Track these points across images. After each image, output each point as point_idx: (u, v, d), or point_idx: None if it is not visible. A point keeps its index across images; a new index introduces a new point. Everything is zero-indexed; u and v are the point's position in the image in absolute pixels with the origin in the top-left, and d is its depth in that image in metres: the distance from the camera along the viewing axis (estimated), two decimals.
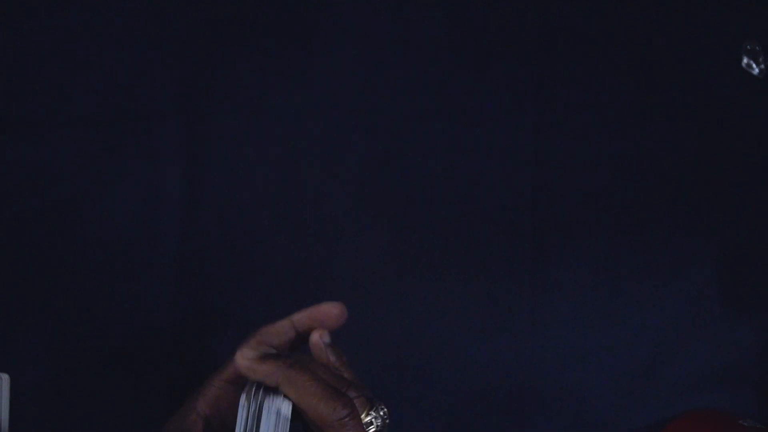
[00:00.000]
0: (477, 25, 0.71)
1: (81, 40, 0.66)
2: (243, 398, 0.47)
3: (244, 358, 0.45)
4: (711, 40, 0.73)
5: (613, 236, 0.71)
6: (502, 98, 0.70)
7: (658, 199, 0.72)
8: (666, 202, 0.72)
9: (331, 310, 0.51)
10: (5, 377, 0.59)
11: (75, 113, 0.65)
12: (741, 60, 0.73)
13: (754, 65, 0.72)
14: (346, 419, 0.44)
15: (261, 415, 0.46)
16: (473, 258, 0.69)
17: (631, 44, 0.72)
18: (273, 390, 0.46)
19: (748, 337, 0.71)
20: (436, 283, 0.69)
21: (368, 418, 0.46)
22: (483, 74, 0.70)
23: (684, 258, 0.71)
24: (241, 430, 0.46)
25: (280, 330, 0.51)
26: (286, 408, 0.46)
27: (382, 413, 0.47)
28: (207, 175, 0.66)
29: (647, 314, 0.70)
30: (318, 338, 0.50)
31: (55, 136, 0.65)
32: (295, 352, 0.52)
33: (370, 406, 0.47)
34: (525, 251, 0.70)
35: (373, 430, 0.46)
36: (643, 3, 0.72)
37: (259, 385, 0.47)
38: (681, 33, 0.73)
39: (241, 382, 0.48)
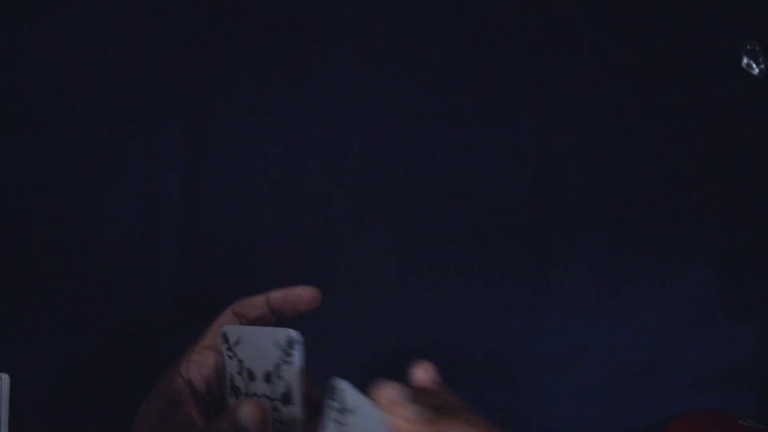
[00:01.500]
0: (477, 26, 0.71)
1: (81, 40, 0.66)
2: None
3: (402, 420, 0.43)
4: (711, 40, 0.73)
5: (614, 236, 0.71)
6: (502, 98, 0.70)
7: (658, 199, 0.72)
8: (666, 202, 0.72)
9: (304, 294, 0.53)
10: (5, 377, 0.59)
11: (75, 113, 0.65)
12: (741, 60, 0.73)
13: (754, 65, 0.72)
14: None
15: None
16: (473, 258, 0.69)
17: (631, 44, 0.72)
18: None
19: (748, 337, 0.71)
20: (436, 283, 0.69)
21: None
22: (483, 74, 0.70)
23: (684, 258, 0.71)
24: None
25: (256, 304, 0.53)
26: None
27: None
28: (207, 175, 0.66)
29: (647, 314, 0.70)
30: (425, 376, 0.51)
31: (55, 136, 0.65)
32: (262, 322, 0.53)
33: None
34: (525, 251, 0.69)
35: None
36: (643, 3, 0.72)
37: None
38: (681, 33, 0.73)
39: (218, 348, 0.51)
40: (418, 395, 0.45)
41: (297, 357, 0.47)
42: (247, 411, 0.47)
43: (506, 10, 0.71)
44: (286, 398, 0.48)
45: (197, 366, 0.52)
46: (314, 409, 0.48)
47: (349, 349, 0.68)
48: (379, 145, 0.69)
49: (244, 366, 0.51)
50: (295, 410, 0.48)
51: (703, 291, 0.71)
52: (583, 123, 0.71)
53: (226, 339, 0.51)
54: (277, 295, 0.53)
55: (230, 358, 0.51)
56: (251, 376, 0.51)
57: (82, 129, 0.65)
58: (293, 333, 0.47)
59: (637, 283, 0.70)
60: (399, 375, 0.69)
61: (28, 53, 0.65)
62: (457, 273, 0.69)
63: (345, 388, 0.44)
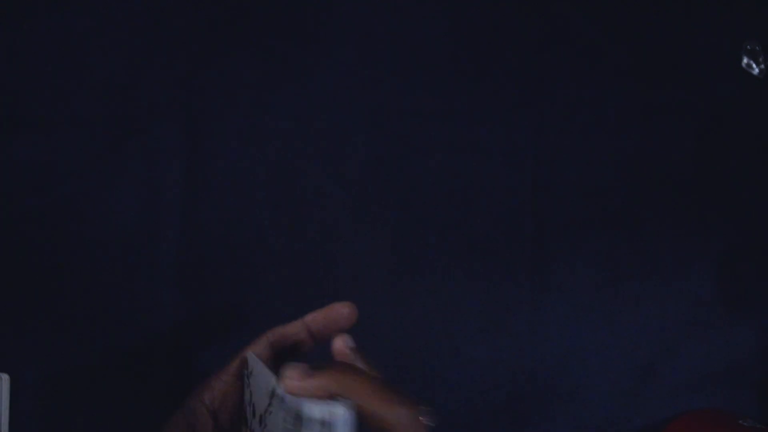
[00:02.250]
0: (477, 25, 0.71)
1: (81, 40, 0.66)
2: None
3: (291, 380, 0.43)
4: (711, 40, 0.73)
5: (614, 236, 0.71)
6: (502, 98, 0.70)
7: (658, 199, 0.72)
8: (666, 202, 0.72)
9: (343, 310, 0.50)
10: (5, 377, 0.59)
11: (75, 113, 0.65)
12: (741, 60, 0.73)
13: (754, 65, 0.72)
14: (416, 419, 0.43)
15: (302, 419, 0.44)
16: (473, 258, 0.69)
17: (631, 44, 0.72)
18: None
19: (747, 337, 0.71)
20: (436, 282, 0.69)
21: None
22: (483, 74, 0.70)
23: (684, 258, 0.71)
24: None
25: (292, 331, 0.50)
26: (345, 414, 0.42)
27: (430, 411, 0.45)
28: (207, 175, 0.66)
29: (647, 314, 0.70)
30: (342, 344, 0.49)
31: (55, 136, 0.65)
32: (303, 355, 0.51)
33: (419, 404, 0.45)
34: (525, 251, 0.70)
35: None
36: (643, 3, 0.72)
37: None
38: (681, 33, 0.73)
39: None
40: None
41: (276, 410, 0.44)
42: None
43: (506, 11, 0.71)
44: None
45: (222, 396, 0.49)
46: None
47: None
48: (379, 145, 0.69)
49: (252, 399, 0.47)
50: None
51: (703, 291, 0.71)
52: (583, 123, 0.71)
53: (246, 366, 0.48)
54: (317, 317, 0.50)
55: (246, 386, 0.48)
56: (253, 412, 0.47)
57: (82, 129, 0.65)
58: (278, 388, 0.44)
59: (637, 283, 0.70)
60: (399, 375, 0.69)
61: (28, 53, 0.65)
62: (457, 273, 0.69)
63: (250, 355, 0.47)
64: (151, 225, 0.65)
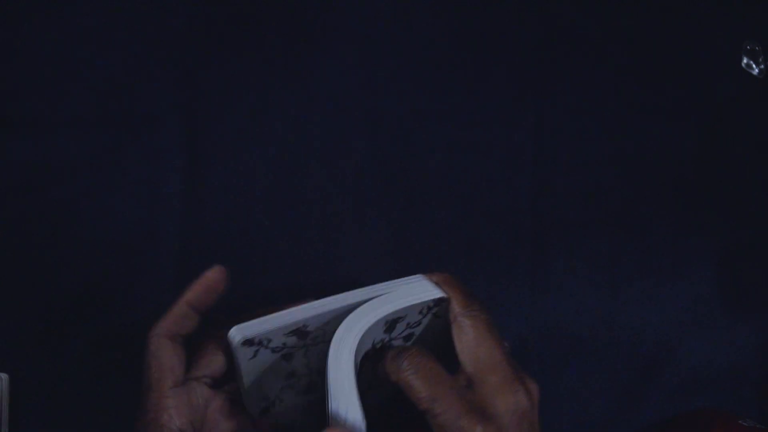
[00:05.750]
0: (477, 25, 0.71)
1: (81, 40, 0.66)
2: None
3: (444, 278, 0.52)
4: (711, 40, 0.73)
5: (613, 236, 0.71)
6: (502, 98, 0.70)
7: (658, 199, 0.72)
8: (666, 202, 0.72)
9: (218, 276, 0.51)
10: (5, 377, 0.59)
11: (75, 113, 0.65)
12: (741, 60, 0.73)
13: (754, 65, 0.72)
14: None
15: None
16: (473, 258, 0.69)
17: (631, 44, 0.72)
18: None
19: (748, 337, 0.71)
20: None
21: None
22: (483, 74, 0.70)
23: (684, 258, 0.71)
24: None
25: (182, 315, 0.51)
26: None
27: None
28: (207, 175, 0.66)
29: (647, 314, 0.70)
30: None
31: (55, 136, 0.65)
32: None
33: None
34: (525, 251, 0.70)
35: None
36: (643, 3, 0.73)
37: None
38: (681, 33, 0.73)
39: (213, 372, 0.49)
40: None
41: None
42: None
43: (506, 10, 0.71)
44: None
45: (186, 409, 0.49)
46: None
47: None
48: (379, 145, 0.69)
49: (260, 379, 0.48)
50: None
51: (703, 291, 0.71)
52: (583, 123, 0.71)
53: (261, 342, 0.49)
54: (198, 292, 0.51)
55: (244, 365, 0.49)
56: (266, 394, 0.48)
57: (82, 129, 0.65)
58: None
59: (637, 283, 0.70)
60: None
61: (28, 53, 0.65)
62: (457, 273, 0.69)
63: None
64: (151, 225, 0.65)
